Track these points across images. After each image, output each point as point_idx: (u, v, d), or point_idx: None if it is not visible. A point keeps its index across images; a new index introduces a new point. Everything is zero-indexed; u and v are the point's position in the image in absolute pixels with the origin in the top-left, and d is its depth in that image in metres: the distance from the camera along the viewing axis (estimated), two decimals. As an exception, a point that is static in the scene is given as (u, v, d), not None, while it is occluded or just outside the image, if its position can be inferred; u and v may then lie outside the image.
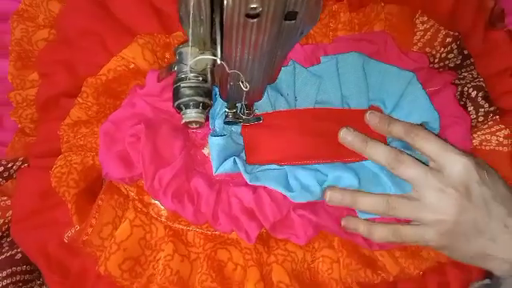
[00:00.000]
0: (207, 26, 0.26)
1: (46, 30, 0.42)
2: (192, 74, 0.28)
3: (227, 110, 0.37)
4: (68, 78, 0.40)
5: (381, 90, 0.41)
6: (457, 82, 0.44)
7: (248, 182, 0.36)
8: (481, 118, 0.43)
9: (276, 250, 0.37)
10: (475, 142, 0.42)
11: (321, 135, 0.40)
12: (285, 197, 0.37)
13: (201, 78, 0.29)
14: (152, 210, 0.37)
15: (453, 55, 0.43)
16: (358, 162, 0.39)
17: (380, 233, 0.36)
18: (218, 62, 0.27)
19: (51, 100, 0.41)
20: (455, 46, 0.43)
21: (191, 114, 0.29)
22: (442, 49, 0.43)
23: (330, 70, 0.40)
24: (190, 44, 0.27)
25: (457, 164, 0.34)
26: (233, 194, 0.36)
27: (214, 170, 0.36)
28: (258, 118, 0.39)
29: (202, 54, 0.28)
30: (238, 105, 0.37)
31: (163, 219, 0.37)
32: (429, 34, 0.43)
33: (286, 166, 0.39)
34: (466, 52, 0.44)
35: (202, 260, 0.35)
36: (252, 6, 0.21)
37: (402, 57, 0.41)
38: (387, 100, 0.41)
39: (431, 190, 0.34)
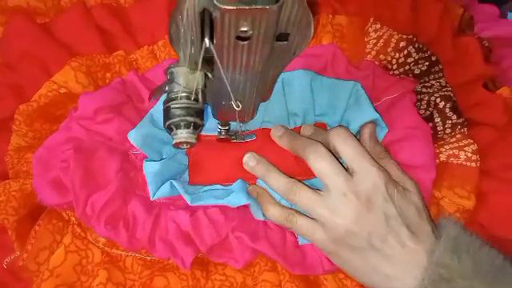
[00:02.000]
0: (198, 46, 0.26)
1: (-8, 52, 0.42)
2: (183, 94, 0.28)
3: (220, 127, 0.37)
4: (16, 102, 0.40)
5: (327, 105, 0.39)
6: (424, 90, 0.42)
7: (189, 203, 0.35)
8: (448, 130, 0.41)
9: (214, 274, 0.35)
10: (442, 156, 0.40)
11: (266, 154, 0.39)
12: (225, 219, 0.36)
13: (192, 98, 0.28)
14: (90, 236, 0.36)
15: (412, 59, 0.41)
16: (305, 180, 0.38)
17: (274, 211, 0.35)
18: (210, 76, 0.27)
19: (1, 123, 0.41)
20: (413, 50, 0.41)
21: (182, 135, 0.29)
22: (397, 54, 0.41)
23: (276, 89, 0.38)
24: (181, 64, 0.27)
25: (367, 174, 0.32)
26: (170, 219, 0.35)
27: (150, 195, 0.36)
28: (251, 136, 0.39)
29: (193, 73, 0.28)
30: (231, 123, 0.37)
31: (101, 245, 0.36)
32: (381, 41, 0.41)
33: (231, 186, 0.38)
34: (434, 58, 0.42)
35: (137, 289, 0.34)
36: (242, 29, 0.21)
37: (350, 68, 0.40)
38: (333, 115, 0.39)
39: (335, 191, 0.32)
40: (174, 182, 0.35)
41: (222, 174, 0.39)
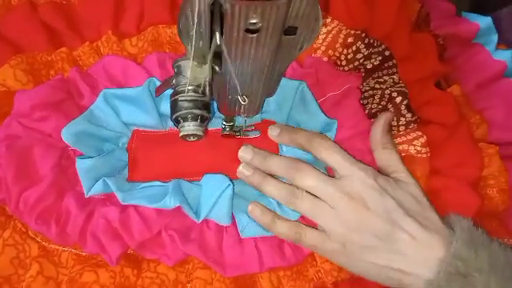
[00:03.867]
0: (206, 40, 0.26)
1: None
2: (190, 87, 0.28)
3: (225, 123, 0.37)
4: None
5: (274, 103, 0.39)
6: (377, 86, 0.41)
7: (121, 201, 0.35)
8: (402, 128, 0.39)
9: (145, 272, 0.35)
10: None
11: (209, 152, 0.38)
12: (158, 215, 0.35)
13: (199, 91, 0.28)
14: (30, 230, 0.37)
15: (362, 55, 0.40)
16: None
17: (282, 227, 0.34)
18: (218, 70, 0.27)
19: None
20: (362, 46, 0.39)
21: (189, 127, 0.29)
22: (345, 50, 0.40)
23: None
24: (190, 57, 0.27)
25: (356, 174, 0.32)
26: (101, 215, 0.35)
27: (85, 192, 0.36)
28: (255, 132, 0.39)
29: (200, 67, 0.28)
30: (236, 118, 0.37)
31: (39, 239, 0.37)
32: (330, 36, 0.40)
33: (170, 182, 0.37)
34: (387, 53, 0.40)
35: (65, 283, 0.35)
36: (252, 22, 0.22)
37: (294, 65, 0.38)
38: (280, 113, 0.39)
39: (332, 198, 0.32)
40: (107, 179, 0.35)
41: (161, 171, 0.38)
